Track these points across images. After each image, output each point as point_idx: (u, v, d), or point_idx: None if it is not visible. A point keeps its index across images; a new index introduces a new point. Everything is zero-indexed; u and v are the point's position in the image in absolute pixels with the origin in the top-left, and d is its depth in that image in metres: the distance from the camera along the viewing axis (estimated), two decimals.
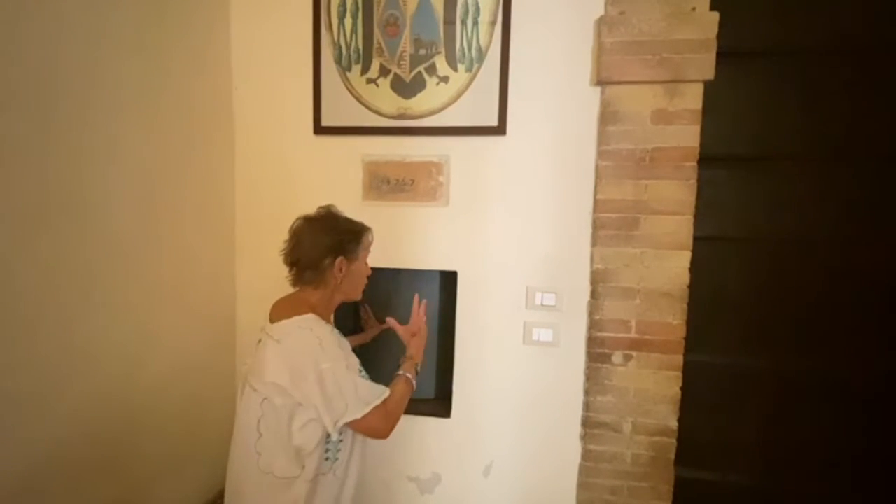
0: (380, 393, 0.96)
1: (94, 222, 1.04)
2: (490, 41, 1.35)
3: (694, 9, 1.24)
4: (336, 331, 0.99)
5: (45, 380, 0.94)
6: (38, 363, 0.93)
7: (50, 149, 0.93)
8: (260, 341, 0.99)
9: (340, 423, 0.91)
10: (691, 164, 1.27)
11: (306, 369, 0.90)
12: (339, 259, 0.99)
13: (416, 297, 1.15)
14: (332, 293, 1.02)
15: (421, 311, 1.14)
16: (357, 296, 1.07)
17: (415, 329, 1.11)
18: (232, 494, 0.99)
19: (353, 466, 1.02)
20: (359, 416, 0.91)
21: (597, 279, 1.35)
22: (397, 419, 0.99)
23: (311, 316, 0.96)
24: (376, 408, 0.94)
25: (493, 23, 1.35)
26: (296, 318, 0.95)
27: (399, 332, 1.11)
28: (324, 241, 0.98)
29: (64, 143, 0.96)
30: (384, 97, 1.42)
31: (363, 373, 0.98)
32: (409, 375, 1.03)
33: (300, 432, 0.92)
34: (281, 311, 0.99)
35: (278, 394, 0.91)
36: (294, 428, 0.92)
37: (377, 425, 0.95)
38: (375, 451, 1.47)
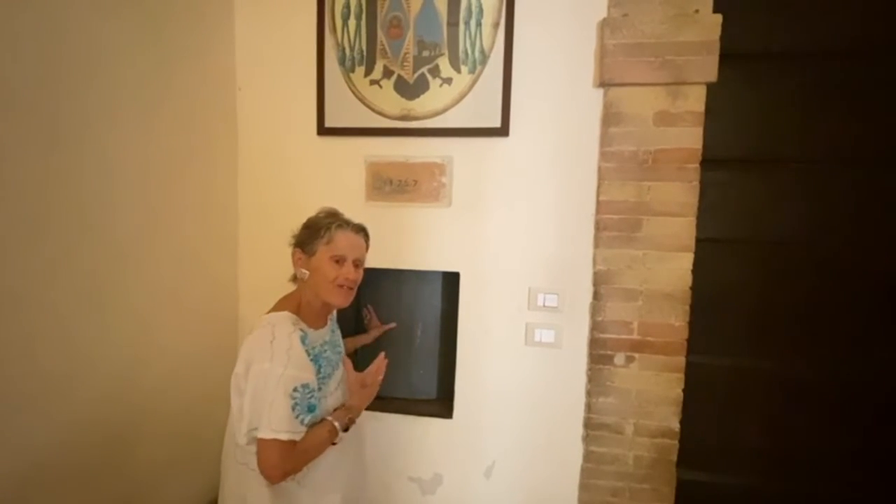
0: (292, 428, 0.85)
1: (97, 223, 1.04)
2: (493, 43, 1.36)
3: (697, 11, 1.24)
4: (298, 335, 0.91)
5: (47, 381, 0.95)
6: (40, 364, 0.93)
7: (52, 150, 0.94)
8: None
9: (253, 434, 0.86)
10: (694, 166, 1.27)
11: (252, 366, 0.88)
12: (294, 250, 1.00)
13: (383, 354, 1.07)
14: (310, 292, 0.97)
15: (380, 368, 1.04)
16: (330, 299, 0.96)
17: (368, 380, 1.02)
18: (221, 481, 1.01)
19: (331, 481, 0.96)
20: (263, 436, 0.84)
21: (599, 280, 1.35)
22: (298, 467, 0.89)
23: (284, 313, 0.94)
24: (279, 441, 0.84)
25: (496, 24, 1.35)
26: (272, 314, 0.95)
27: (350, 376, 1.02)
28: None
29: (66, 143, 0.97)
30: (387, 98, 1.43)
31: (299, 392, 0.87)
32: (336, 424, 0.93)
33: (245, 434, 0.90)
34: (274, 306, 1.00)
35: (236, 387, 0.91)
36: (242, 426, 0.90)
37: (271, 460, 0.84)
38: (376, 451, 1.47)
